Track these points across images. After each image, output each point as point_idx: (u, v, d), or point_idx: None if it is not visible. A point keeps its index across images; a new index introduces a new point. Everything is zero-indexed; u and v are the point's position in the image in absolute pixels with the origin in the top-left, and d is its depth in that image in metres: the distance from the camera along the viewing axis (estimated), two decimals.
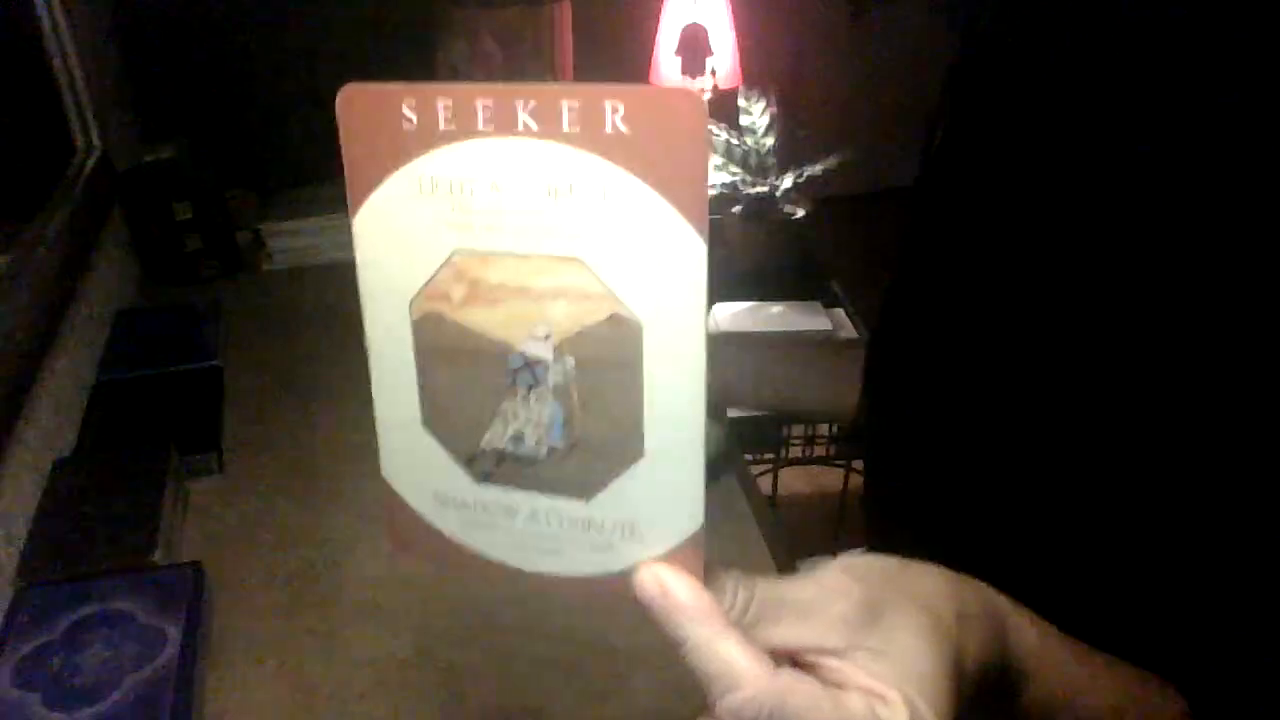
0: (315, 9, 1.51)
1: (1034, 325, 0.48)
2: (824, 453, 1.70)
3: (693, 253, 0.29)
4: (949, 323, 0.55)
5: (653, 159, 0.28)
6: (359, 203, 0.32)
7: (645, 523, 0.32)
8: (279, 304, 1.14)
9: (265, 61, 1.50)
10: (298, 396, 0.95)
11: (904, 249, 0.61)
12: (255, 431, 0.91)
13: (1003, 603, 0.38)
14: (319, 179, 1.37)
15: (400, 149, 0.31)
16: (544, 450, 0.33)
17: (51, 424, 0.85)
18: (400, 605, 0.71)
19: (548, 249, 0.30)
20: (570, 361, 0.31)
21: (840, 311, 1.74)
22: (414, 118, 0.30)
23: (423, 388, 0.34)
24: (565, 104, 0.28)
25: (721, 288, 1.80)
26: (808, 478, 1.90)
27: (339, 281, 1.31)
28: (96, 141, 1.15)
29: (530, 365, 0.32)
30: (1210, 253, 0.40)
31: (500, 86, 0.29)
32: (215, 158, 1.24)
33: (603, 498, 0.32)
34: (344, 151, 0.32)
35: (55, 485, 0.77)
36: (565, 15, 1.73)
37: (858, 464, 1.76)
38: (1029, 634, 0.38)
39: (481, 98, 0.29)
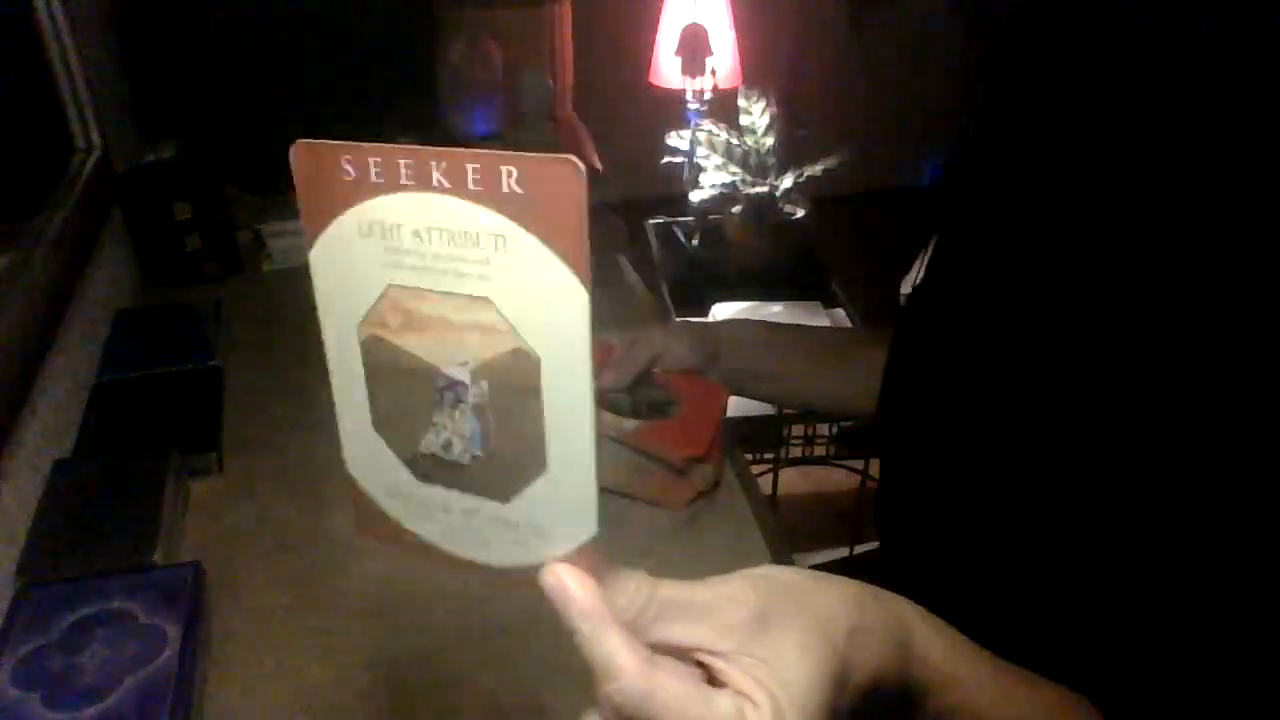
0: (316, 9, 1.51)
1: (1063, 330, 0.47)
2: (824, 453, 1.70)
3: (577, 300, 0.32)
4: (974, 325, 0.54)
5: (541, 217, 0.32)
6: (313, 240, 0.37)
7: (551, 526, 0.36)
8: (279, 304, 1.14)
9: (265, 61, 1.50)
10: (298, 396, 0.95)
11: (934, 251, 0.61)
12: (255, 431, 0.91)
13: (912, 618, 0.40)
14: None
15: (342, 196, 0.35)
16: (468, 457, 0.37)
17: (51, 424, 0.85)
18: (400, 605, 0.71)
19: (462, 289, 0.35)
20: (485, 385, 0.35)
21: (840, 311, 1.74)
22: (352, 171, 0.35)
23: (371, 397, 0.38)
24: (469, 166, 0.33)
25: (721, 288, 1.80)
26: (808, 478, 1.90)
27: None
28: (96, 141, 1.15)
29: (453, 385, 0.36)
30: (1255, 258, 0.40)
31: (418, 149, 0.34)
32: (215, 158, 1.24)
33: (517, 502, 0.37)
34: (299, 196, 0.36)
35: (55, 485, 0.77)
36: (565, 15, 1.73)
37: (856, 463, 1.76)
38: (935, 650, 0.40)
39: (403, 157, 0.34)
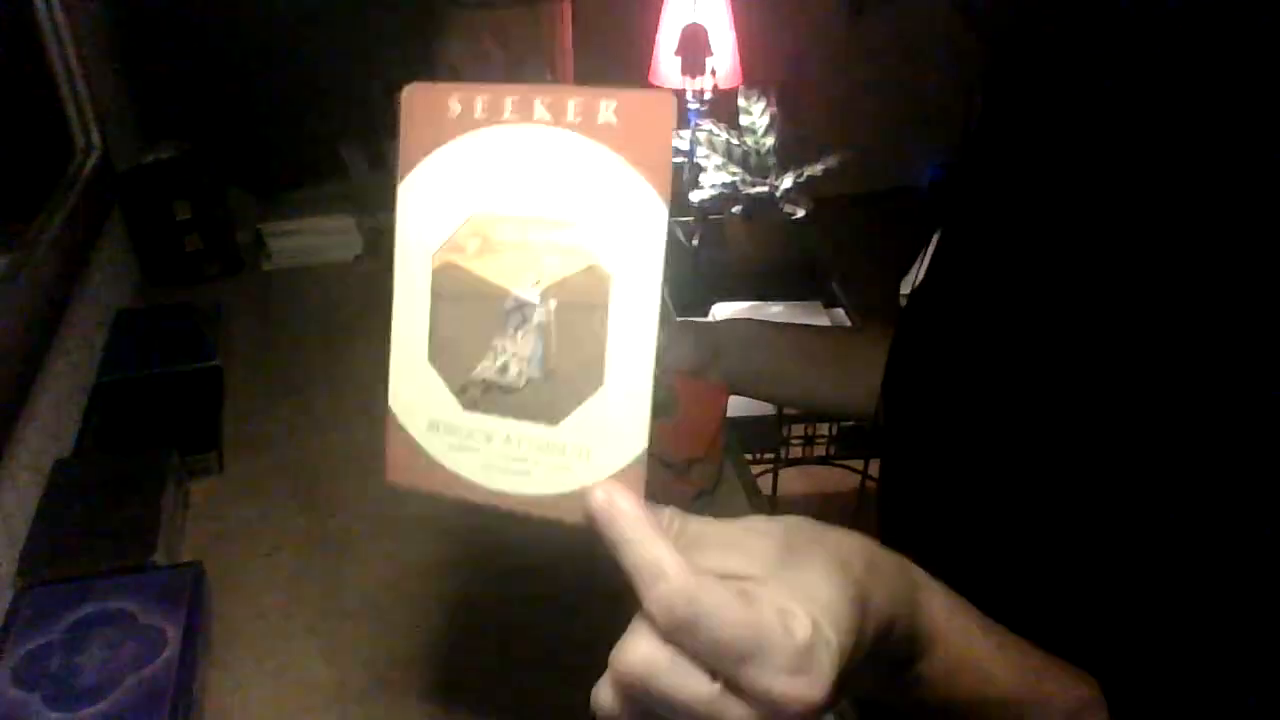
0: (315, 9, 1.51)
1: (1065, 329, 0.47)
2: (824, 453, 1.70)
3: (656, 214, 0.36)
4: (975, 325, 0.54)
5: (630, 142, 0.36)
6: (406, 173, 0.41)
7: (599, 446, 0.38)
8: (279, 304, 1.14)
9: (265, 61, 1.50)
10: (298, 396, 0.95)
11: (935, 250, 0.61)
12: (255, 431, 0.91)
13: (918, 573, 0.41)
14: (319, 179, 1.37)
15: (444, 132, 0.40)
16: (523, 380, 0.40)
17: (51, 424, 0.85)
18: (400, 605, 0.71)
19: (546, 213, 0.38)
20: (553, 304, 0.38)
21: (840, 311, 1.74)
22: (458, 108, 0.39)
23: (432, 326, 0.41)
24: (571, 100, 0.37)
25: (721, 288, 1.80)
26: (808, 478, 1.90)
27: (339, 281, 1.31)
28: (96, 141, 1.14)
29: (521, 307, 0.39)
30: (1255, 255, 0.40)
31: (524, 86, 0.38)
32: (215, 158, 1.24)
33: (567, 423, 0.39)
34: (401, 132, 0.40)
35: (55, 485, 0.77)
36: (565, 15, 1.73)
37: (856, 463, 1.76)
38: (938, 605, 0.41)
39: (509, 95, 0.38)
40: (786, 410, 1.57)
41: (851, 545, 0.38)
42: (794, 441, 1.66)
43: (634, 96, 0.36)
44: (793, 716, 0.33)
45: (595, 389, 0.38)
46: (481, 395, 0.40)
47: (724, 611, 0.33)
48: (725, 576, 0.35)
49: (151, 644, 0.62)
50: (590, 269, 0.37)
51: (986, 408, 0.52)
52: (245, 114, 1.47)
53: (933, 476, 0.58)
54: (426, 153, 0.40)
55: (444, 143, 0.39)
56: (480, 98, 0.38)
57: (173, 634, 0.63)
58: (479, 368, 0.40)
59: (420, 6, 1.60)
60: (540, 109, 0.37)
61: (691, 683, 0.33)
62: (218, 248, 1.19)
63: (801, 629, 0.33)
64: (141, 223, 1.17)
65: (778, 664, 0.33)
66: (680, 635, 0.33)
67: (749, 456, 1.62)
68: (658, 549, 0.34)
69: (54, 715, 0.57)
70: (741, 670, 0.33)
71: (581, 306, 0.38)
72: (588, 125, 0.37)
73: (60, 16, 1.08)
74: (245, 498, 0.83)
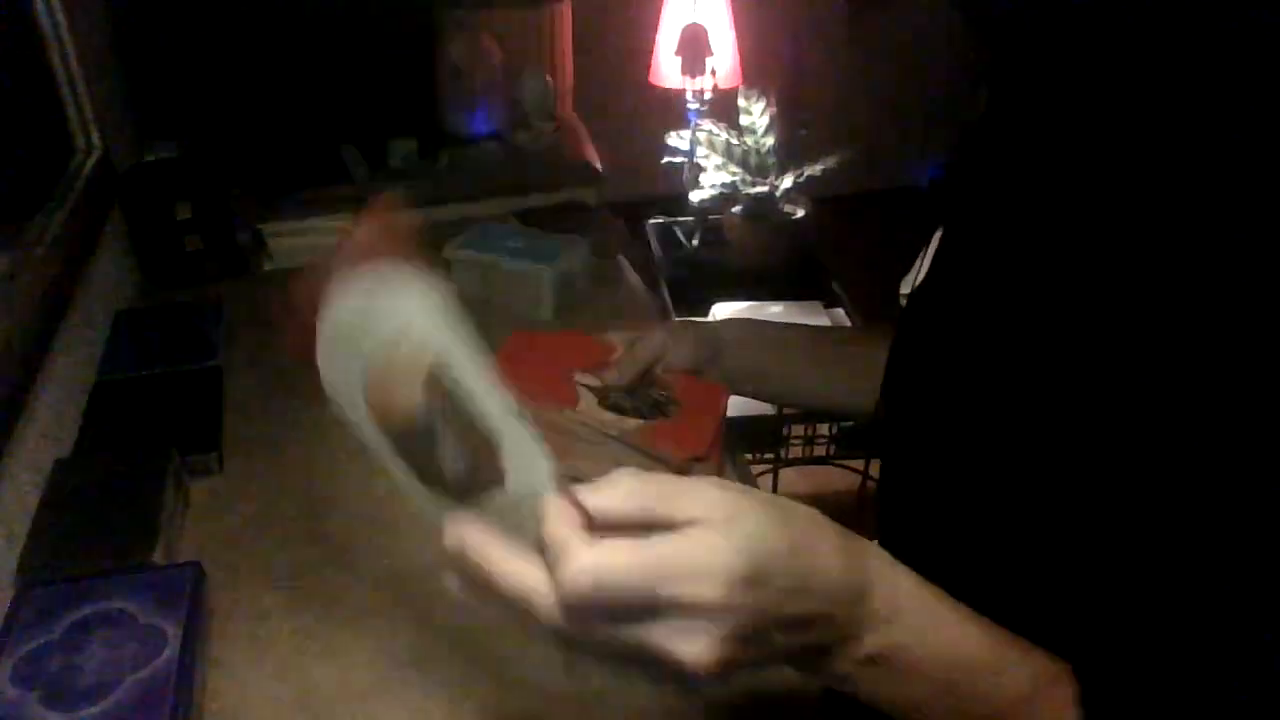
0: (315, 9, 1.51)
1: (1067, 329, 0.47)
2: (824, 453, 1.70)
3: (424, 295, 0.44)
4: (977, 324, 0.54)
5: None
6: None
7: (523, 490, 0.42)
8: (279, 304, 1.14)
9: (265, 61, 1.50)
10: (298, 396, 0.95)
11: (937, 249, 0.61)
12: (255, 431, 0.91)
13: (881, 554, 0.43)
14: (319, 180, 1.37)
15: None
16: (463, 474, 0.44)
17: (51, 424, 0.85)
18: (400, 605, 0.71)
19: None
20: (439, 406, 0.43)
21: (840, 311, 1.74)
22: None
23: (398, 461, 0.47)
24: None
25: (721, 288, 1.80)
26: (808, 478, 1.90)
27: None
28: (96, 141, 1.14)
29: (428, 424, 0.44)
30: (1255, 255, 0.40)
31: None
32: (215, 158, 1.24)
33: (507, 485, 0.43)
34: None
35: (55, 485, 0.77)
36: (565, 15, 1.73)
37: (856, 463, 1.76)
38: (903, 578, 0.43)
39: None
40: (786, 410, 1.57)
41: (808, 511, 0.41)
42: (794, 441, 1.65)
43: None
44: (690, 677, 0.36)
45: (500, 450, 0.42)
46: (442, 497, 0.45)
47: (618, 589, 0.35)
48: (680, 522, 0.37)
49: (151, 644, 0.62)
50: (432, 365, 0.42)
51: (986, 408, 0.52)
52: (245, 114, 1.47)
53: (932, 476, 0.58)
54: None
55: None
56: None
57: (173, 634, 0.63)
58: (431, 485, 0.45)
59: (420, 6, 1.60)
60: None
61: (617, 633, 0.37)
62: (218, 248, 1.19)
63: (703, 593, 0.35)
64: (141, 223, 1.17)
65: (673, 626, 0.36)
66: (584, 620, 0.36)
67: (749, 456, 1.63)
68: (520, 564, 0.37)
69: (54, 715, 0.57)
70: (646, 633, 0.36)
71: (449, 397, 0.42)
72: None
73: (60, 16, 1.08)
74: (245, 498, 0.83)
